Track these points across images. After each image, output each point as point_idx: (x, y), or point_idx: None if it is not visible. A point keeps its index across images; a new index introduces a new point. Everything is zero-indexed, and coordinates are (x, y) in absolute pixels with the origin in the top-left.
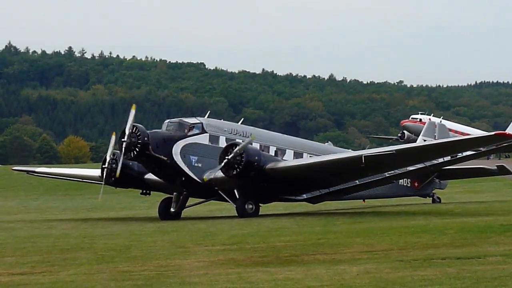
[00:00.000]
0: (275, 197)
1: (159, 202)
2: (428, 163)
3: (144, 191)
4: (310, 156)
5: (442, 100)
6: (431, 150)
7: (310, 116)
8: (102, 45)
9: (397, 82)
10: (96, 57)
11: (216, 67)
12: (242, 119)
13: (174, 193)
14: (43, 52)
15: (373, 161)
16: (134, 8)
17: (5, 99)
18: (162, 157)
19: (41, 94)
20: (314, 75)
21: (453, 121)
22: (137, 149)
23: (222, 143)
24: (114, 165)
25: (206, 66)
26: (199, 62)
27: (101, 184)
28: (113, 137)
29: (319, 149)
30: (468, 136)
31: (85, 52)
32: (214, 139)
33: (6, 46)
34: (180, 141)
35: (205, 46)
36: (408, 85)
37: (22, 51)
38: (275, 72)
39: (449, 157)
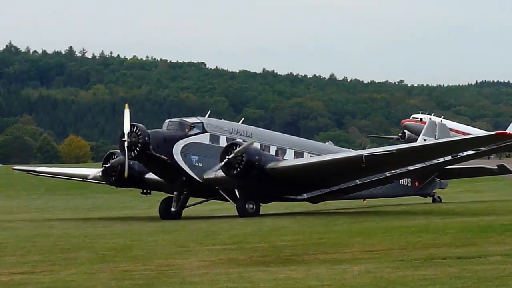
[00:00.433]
0: (275, 196)
1: (160, 202)
2: (428, 163)
3: (145, 191)
4: (310, 156)
5: (442, 99)
6: (431, 150)
7: (311, 115)
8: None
9: (397, 82)
10: (97, 57)
11: (216, 67)
12: (243, 118)
13: (175, 193)
14: (44, 51)
15: (373, 161)
16: (135, 7)
17: (5, 99)
18: (162, 156)
19: (42, 94)
20: (314, 75)
21: (453, 121)
22: (138, 149)
23: (223, 143)
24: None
25: (207, 66)
26: (199, 61)
27: (102, 183)
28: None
29: (320, 149)
30: (468, 135)
31: (86, 52)
32: (214, 138)
33: (6, 45)
34: (180, 141)
35: (206, 46)
36: (409, 85)
37: (22, 50)
38: (275, 71)
39: (450, 156)
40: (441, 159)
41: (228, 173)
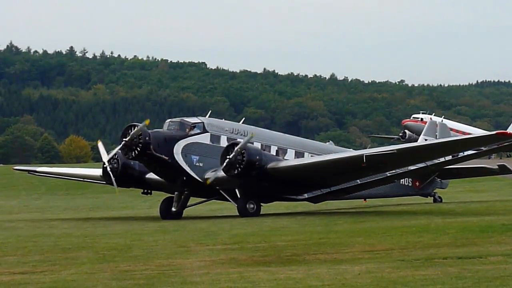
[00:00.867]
0: (276, 196)
1: (160, 202)
2: (429, 163)
3: (145, 191)
4: (311, 156)
5: (443, 99)
6: (432, 150)
7: (311, 115)
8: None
9: (398, 82)
10: (98, 57)
11: (217, 67)
12: (244, 118)
13: (175, 193)
14: (45, 51)
15: (374, 161)
16: (136, 7)
17: (6, 99)
18: (163, 156)
19: (43, 94)
20: (315, 75)
21: (454, 121)
22: (139, 149)
23: (223, 143)
24: (115, 165)
25: (208, 66)
26: (200, 61)
27: (103, 183)
28: (100, 144)
29: (320, 149)
30: (469, 135)
31: (87, 52)
32: (215, 138)
33: (7, 46)
34: (181, 141)
35: (207, 46)
36: (410, 85)
37: (23, 51)
38: (276, 71)
39: (450, 156)
40: (442, 159)
41: (229, 173)
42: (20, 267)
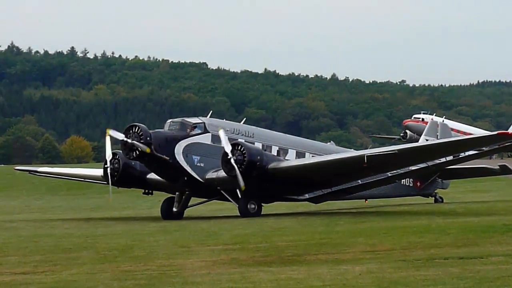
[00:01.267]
0: (277, 196)
1: (162, 202)
2: (430, 163)
3: (147, 191)
4: (312, 156)
5: (444, 99)
6: (433, 150)
7: (312, 115)
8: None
9: (399, 82)
10: (99, 57)
11: (218, 67)
12: (245, 118)
13: (177, 193)
14: (46, 52)
15: (375, 161)
16: (136, 8)
17: (7, 99)
18: (164, 157)
19: (44, 94)
20: (316, 75)
21: (455, 121)
22: (140, 149)
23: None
24: (116, 165)
25: (209, 66)
26: (201, 62)
27: (104, 183)
28: (109, 137)
29: (321, 149)
30: (470, 135)
31: (88, 52)
32: (216, 138)
33: (8, 46)
34: (182, 141)
35: (208, 46)
36: (411, 85)
37: (24, 51)
38: (277, 71)
39: (452, 156)
40: (443, 159)
41: (230, 173)
42: (21, 267)
